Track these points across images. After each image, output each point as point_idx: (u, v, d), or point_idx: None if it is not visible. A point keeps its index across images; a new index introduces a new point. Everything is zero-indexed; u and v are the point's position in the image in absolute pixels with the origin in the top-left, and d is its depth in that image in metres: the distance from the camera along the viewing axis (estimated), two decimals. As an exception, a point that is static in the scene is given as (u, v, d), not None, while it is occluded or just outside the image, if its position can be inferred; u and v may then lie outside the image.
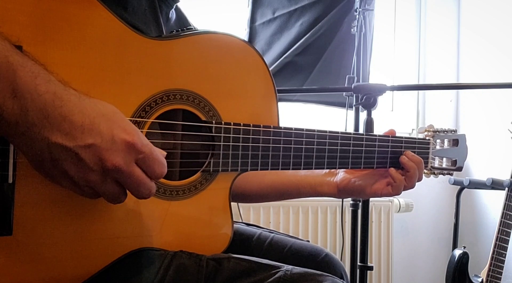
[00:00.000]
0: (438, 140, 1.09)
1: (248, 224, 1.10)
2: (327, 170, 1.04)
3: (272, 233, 1.04)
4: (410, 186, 0.99)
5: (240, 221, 1.16)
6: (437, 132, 1.09)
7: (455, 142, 1.10)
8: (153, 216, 0.77)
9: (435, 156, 1.08)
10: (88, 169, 0.60)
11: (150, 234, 0.77)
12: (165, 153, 0.68)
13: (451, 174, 1.12)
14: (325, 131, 0.92)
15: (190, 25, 1.04)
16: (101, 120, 0.61)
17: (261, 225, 1.11)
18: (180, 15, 1.05)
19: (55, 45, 0.66)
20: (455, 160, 1.10)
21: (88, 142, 0.59)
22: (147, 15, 0.87)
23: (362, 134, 0.97)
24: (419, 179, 1.01)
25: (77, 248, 0.70)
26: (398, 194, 0.99)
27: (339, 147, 0.93)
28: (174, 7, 1.01)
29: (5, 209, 0.64)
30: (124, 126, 0.62)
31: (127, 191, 0.66)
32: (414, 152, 1.02)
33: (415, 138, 1.05)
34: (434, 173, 1.09)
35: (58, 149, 0.59)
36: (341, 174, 1.03)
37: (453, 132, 1.10)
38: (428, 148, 1.06)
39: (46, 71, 0.60)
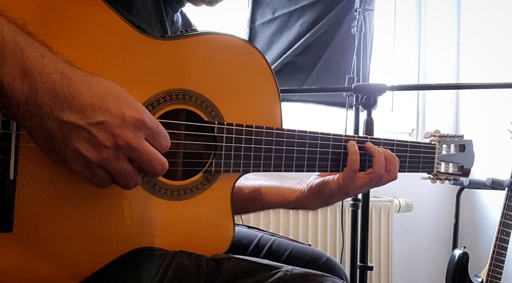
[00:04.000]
0: (444, 145, 1.08)
1: (249, 227, 1.10)
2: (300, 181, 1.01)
3: (273, 236, 1.04)
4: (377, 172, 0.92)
5: (241, 223, 1.16)
6: (443, 137, 1.08)
7: (462, 148, 1.09)
8: (154, 215, 0.77)
9: (441, 161, 1.07)
10: (101, 145, 0.60)
11: (151, 233, 0.77)
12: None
13: (457, 180, 1.11)
14: (329, 134, 0.92)
15: (194, 27, 1.04)
16: (109, 99, 0.61)
17: (261, 226, 1.11)
18: (184, 19, 1.05)
19: (57, 43, 0.66)
20: (462, 166, 1.10)
21: (99, 119, 0.60)
22: (152, 17, 0.87)
23: (366, 137, 0.96)
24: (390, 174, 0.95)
25: (77, 246, 0.70)
26: (357, 168, 0.91)
27: (342, 150, 0.93)
28: (180, 11, 1.01)
29: (5, 206, 0.64)
30: (131, 103, 0.63)
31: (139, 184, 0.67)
32: (420, 156, 1.02)
33: (420, 143, 1.04)
34: (440, 179, 1.08)
35: (70, 128, 0.59)
36: (310, 180, 1.00)
37: (459, 137, 1.09)
38: (434, 153, 1.06)
39: (52, 52, 0.60)
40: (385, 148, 0.97)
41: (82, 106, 0.59)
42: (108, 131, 0.60)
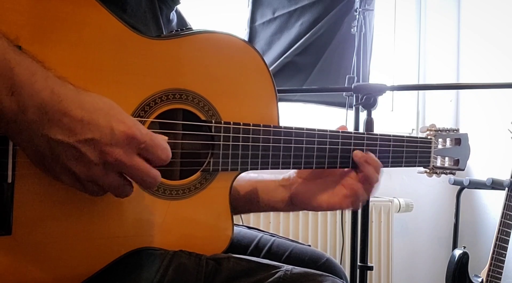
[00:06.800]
0: (440, 139, 1.08)
1: (249, 227, 1.10)
2: (282, 179, 0.99)
3: (273, 236, 1.04)
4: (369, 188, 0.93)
5: (241, 223, 1.16)
6: (439, 131, 1.09)
7: (457, 141, 1.09)
8: (153, 216, 0.77)
9: (437, 156, 1.08)
10: (90, 163, 0.60)
11: (150, 234, 0.77)
12: (166, 138, 0.67)
13: (454, 174, 1.11)
14: (326, 131, 0.92)
15: (189, 26, 1.04)
16: (100, 114, 0.61)
17: (261, 226, 1.10)
18: (179, 17, 1.05)
19: (52, 45, 0.66)
20: (458, 159, 1.10)
21: (88, 137, 0.59)
22: (147, 17, 0.87)
23: (363, 133, 0.96)
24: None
25: (77, 248, 0.70)
26: (360, 201, 0.93)
27: (340, 147, 0.93)
28: (175, 9, 1.01)
29: (4, 209, 0.64)
30: (122, 118, 0.62)
31: (134, 183, 0.66)
32: (416, 151, 1.02)
33: (416, 137, 1.05)
34: (436, 173, 1.08)
35: (58, 145, 0.59)
36: (294, 186, 0.97)
37: (455, 131, 1.09)
38: (430, 147, 1.06)
39: (44, 68, 0.60)
40: (381, 143, 0.97)
41: (71, 123, 0.59)
42: (97, 148, 0.60)
